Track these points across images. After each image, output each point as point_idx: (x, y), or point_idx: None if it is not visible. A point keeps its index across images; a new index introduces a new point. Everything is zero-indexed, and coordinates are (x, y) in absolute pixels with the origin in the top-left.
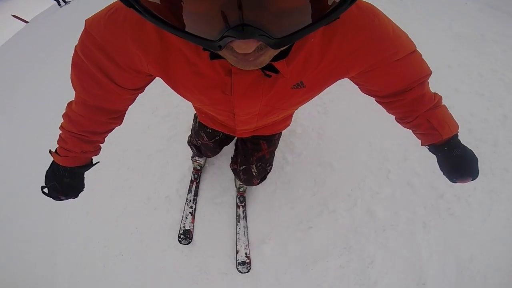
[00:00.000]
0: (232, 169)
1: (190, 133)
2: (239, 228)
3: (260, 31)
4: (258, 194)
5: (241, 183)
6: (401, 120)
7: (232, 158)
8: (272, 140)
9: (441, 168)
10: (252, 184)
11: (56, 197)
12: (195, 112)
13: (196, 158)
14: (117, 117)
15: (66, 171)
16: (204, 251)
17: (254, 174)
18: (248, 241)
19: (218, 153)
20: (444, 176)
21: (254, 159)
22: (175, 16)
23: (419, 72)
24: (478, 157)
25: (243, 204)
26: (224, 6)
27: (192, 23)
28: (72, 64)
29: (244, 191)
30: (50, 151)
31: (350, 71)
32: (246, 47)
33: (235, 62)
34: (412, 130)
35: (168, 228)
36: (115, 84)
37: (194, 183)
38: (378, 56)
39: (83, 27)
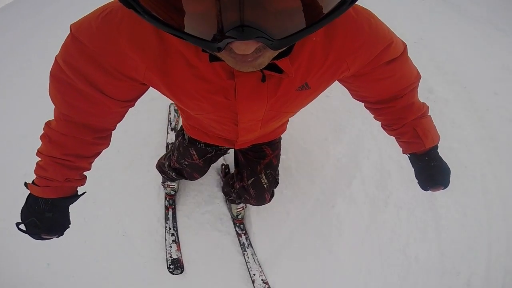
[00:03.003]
0: (234, 192)
1: (166, 155)
2: (248, 257)
3: (260, 32)
4: (255, 216)
5: (249, 203)
6: (387, 126)
7: (234, 177)
8: (274, 144)
9: (417, 176)
10: (264, 201)
11: (37, 236)
12: (183, 128)
13: (169, 183)
14: (104, 137)
15: (47, 204)
16: (204, 280)
17: (265, 186)
18: (261, 267)
19: (205, 173)
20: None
21: (261, 168)
22: (174, 17)
23: (410, 75)
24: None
25: (244, 231)
26: (223, 6)
27: (191, 24)
28: (51, 76)
29: (243, 218)
30: (25, 184)
31: (351, 69)
32: (246, 48)
33: (234, 64)
34: (396, 138)
35: (156, 264)
36: (104, 96)
37: (170, 209)
38: (375, 53)
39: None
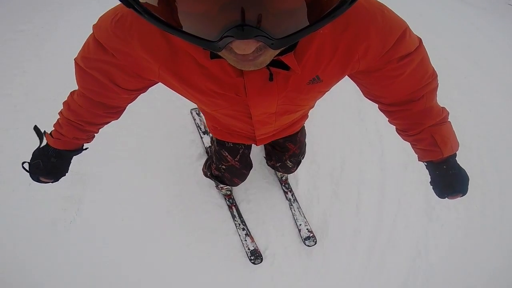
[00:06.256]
0: (270, 165)
1: (206, 163)
2: (294, 210)
3: (259, 32)
4: (298, 176)
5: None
6: (403, 132)
7: (266, 157)
8: (295, 139)
9: (434, 184)
10: (290, 173)
11: (36, 177)
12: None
13: (221, 185)
14: (115, 112)
15: (55, 152)
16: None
17: (291, 166)
18: (306, 218)
19: (246, 177)
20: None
21: (286, 157)
22: (174, 16)
23: (425, 73)
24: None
25: (289, 189)
26: (223, 6)
27: (191, 24)
28: (75, 64)
29: (287, 178)
30: (44, 132)
31: (362, 61)
32: (246, 48)
33: (235, 63)
34: (411, 144)
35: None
36: (117, 86)
37: (233, 207)
38: (388, 45)
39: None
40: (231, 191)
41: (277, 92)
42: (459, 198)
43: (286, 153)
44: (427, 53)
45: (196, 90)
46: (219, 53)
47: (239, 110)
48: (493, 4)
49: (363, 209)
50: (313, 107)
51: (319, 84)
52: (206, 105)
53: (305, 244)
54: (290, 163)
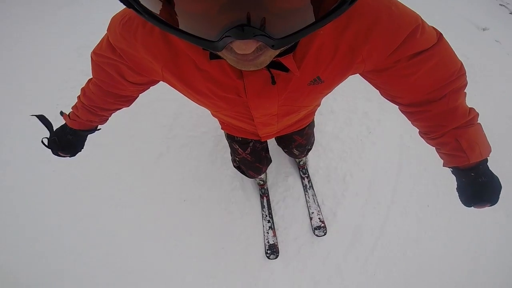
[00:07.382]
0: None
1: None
2: (308, 197)
3: (259, 32)
4: (318, 163)
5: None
6: (425, 134)
7: (276, 140)
8: (302, 132)
9: (460, 191)
10: (299, 158)
11: (55, 152)
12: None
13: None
14: (125, 101)
15: (71, 130)
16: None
17: (297, 154)
18: (319, 207)
19: (262, 171)
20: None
21: (293, 146)
22: (174, 16)
23: (446, 71)
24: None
25: (306, 175)
26: (223, 6)
27: (191, 23)
28: (91, 57)
29: (305, 163)
30: (61, 112)
31: (367, 62)
32: (246, 48)
33: (235, 63)
34: (436, 149)
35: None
36: (126, 81)
37: (264, 197)
38: (396, 43)
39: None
40: (264, 181)
41: (277, 94)
42: (487, 207)
43: (292, 143)
44: (449, 48)
45: (197, 92)
46: (219, 53)
47: (241, 112)
48: None
49: (380, 203)
50: (319, 105)
51: (321, 85)
52: (208, 107)
53: (314, 233)
54: (297, 152)
